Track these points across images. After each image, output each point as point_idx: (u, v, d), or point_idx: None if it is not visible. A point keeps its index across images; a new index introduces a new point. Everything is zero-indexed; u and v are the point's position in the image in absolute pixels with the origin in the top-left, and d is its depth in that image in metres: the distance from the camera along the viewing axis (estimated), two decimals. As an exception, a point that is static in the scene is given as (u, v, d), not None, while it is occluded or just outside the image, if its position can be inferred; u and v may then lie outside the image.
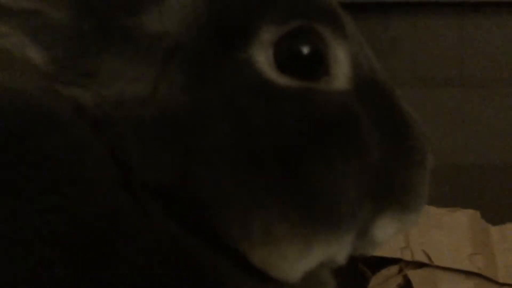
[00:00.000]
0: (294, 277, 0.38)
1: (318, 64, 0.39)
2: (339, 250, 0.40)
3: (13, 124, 0.34)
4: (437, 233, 0.97)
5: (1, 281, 0.30)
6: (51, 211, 0.32)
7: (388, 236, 0.43)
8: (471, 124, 1.20)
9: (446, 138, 1.19)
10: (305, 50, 0.38)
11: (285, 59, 0.38)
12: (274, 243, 0.36)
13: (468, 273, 0.94)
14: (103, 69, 0.37)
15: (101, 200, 0.34)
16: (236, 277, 0.36)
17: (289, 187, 0.36)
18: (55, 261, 0.31)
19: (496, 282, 0.94)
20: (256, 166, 0.36)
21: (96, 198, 0.34)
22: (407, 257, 0.95)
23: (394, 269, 0.96)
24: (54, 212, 0.32)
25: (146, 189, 0.35)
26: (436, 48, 1.22)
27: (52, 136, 0.35)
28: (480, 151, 1.19)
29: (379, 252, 0.95)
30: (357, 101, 0.40)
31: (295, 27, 0.38)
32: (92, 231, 0.32)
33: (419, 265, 0.95)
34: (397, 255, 0.95)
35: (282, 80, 0.38)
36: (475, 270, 0.94)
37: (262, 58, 0.38)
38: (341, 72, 0.40)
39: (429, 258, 0.95)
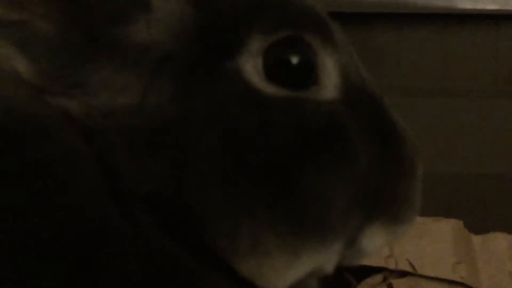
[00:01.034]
0: (282, 287, 0.37)
1: (307, 74, 0.39)
2: (327, 260, 0.40)
3: (0, 131, 0.34)
4: (421, 242, 0.98)
5: None
6: (38, 222, 0.31)
7: (377, 246, 0.43)
8: (454, 134, 1.21)
9: (429, 148, 1.20)
10: (294, 59, 0.38)
11: (274, 68, 0.38)
12: (263, 254, 0.36)
13: (451, 282, 0.95)
14: (91, 79, 0.37)
15: (90, 211, 0.33)
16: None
17: (278, 197, 0.36)
18: (42, 274, 0.30)
19: (479, 291, 0.95)
20: (244, 176, 0.36)
21: (85, 209, 0.33)
22: (391, 266, 0.95)
23: (378, 278, 0.96)
24: (42, 223, 0.32)
25: (136, 199, 0.35)
26: (420, 59, 1.23)
27: (40, 145, 0.34)
28: (463, 161, 1.20)
29: (363, 261, 0.96)
30: (346, 110, 0.40)
31: (284, 37, 0.38)
32: (81, 243, 0.32)
33: (403, 274, 0.95)
34: (381, 263, 0.95)
35: (270, 89, 0.38)
36: (458, 279, 0.94)
37: (251, 68, 0.38)
38: (329, 81, 0.40)
39: (413, 267, 0.95)
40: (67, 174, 0.34)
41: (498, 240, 1.01)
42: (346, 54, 0.42)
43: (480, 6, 1.19)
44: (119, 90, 0.37)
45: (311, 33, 0.39)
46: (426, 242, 0.98)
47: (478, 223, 1.05)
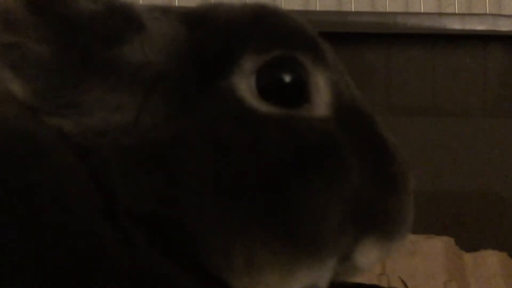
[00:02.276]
0: None
1: (299, 92, 0.39)
2: (321, 276, 0.40)
3: None
4: (413, 260, 0.98)
5: None
6: (32, 239, 0.31)
7: (371, 262, 0.42)
8: (444, 153, 1.22)
9: (419, 166, 1.20)
10: (286, 78, 0.39)
11: (267, 87, 0.38)
12: (257, 271, 0.36)
13: (443, 300, 0.95)
14: (85, 99, 0.37)
15: (84, 229, 0.33)
16: None
17: (271, 214, 0.36)
18: None
19: (471, 309, 0.95)
20: (238, 193, 0.36)
21: (79, 227, 0.33)
22: (384, 283, 0.95)
23: (371, 296, 0.96)
24: (36, 239, 0.31)
25: (131, 217, 0.35)
26: (409, 78, 1.24)
27: (34, 162, 0.34)
28: (453, 179, 1.21)
29: (355, 279, 0.96)
30: (338, 128, 0.40)
31: (276, 56, 0.39)
32: (74, 260, 0.32)
33: (396, 291, 0.95)
34: (374, 281, 0.95)
35: (263, 107, 0.38)
36: (450, 297, 0.94)
37: (244, 86, 0.38)
38: (321, 99, 0.40)
39: (405, 285, 0.95)
40: (60, 193, 0.34)
41: (490, 258, 1.01)
42: (337, 72, 0.42)
43: (468, 26, 1.21)
44: (113, 109, 0.37)
45: (303, 53, 0.39)
46: (418, 259, 0.98)
47: (470, 241, 1.05)
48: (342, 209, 0.38)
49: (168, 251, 0.35)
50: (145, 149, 0.36)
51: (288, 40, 0.40)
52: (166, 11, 0.41)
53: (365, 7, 1.30)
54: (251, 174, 0.36)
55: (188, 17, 0.40)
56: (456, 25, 1.21)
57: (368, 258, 0.42)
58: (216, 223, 0.35)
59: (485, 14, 1.24)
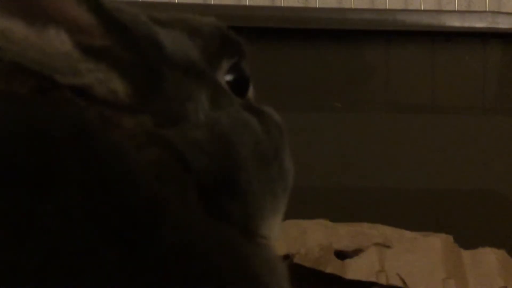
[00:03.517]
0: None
1: (246, 86, 0.52)
2: None
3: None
4: (411, 257, 0.98)
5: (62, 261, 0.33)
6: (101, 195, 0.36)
7: None
8: (442, 150, 1.22)
9: (418, 163, 1.21)
10: (237, 77, 0.51)
11: (233, 82, 0.50)
12: (272, 218, 0.48)
13: (441, 297, 0.95)
14: (164, 95, 0.44)
15: (148, 189, 0.38)
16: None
17: (269, 179, 0.48)
18: (104, 246, 0.34)
19: (469, 306, 0.95)
20: (262, 166, 0.47)
21: (144, 188, 0.38)
22: (382, 280, 0.95)
23: (369, 292, 0.96)
24: (103, 197, 0.36)
25: (190, 186, 0.42)
26: (408, 75, 1.24)
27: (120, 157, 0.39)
28: (452, 176, 1.21)
29: (354, 276, 0.96)
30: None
31: (235, 61, 0.51)
32: (136, 213, 0.36)
33: (394, 288, 0.95)
34: (372, 278, 0.96)
35: (235, 97, 0.49)
36: (449, 294, 0.95)
37: (223, 81, 0.49)
38: (251, 92, 0.53)
39: (404, 282, 0.95)
40: (127, 161, 0.39)
41: (488, 255, 1.02)
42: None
43: (467, 24, 1.21)
44: (183, 103, 0.44)
45: (243, 59, 0.52)
46: (416, 257, 0.98)
47: (468, 239, 1.06)
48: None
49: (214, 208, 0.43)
50: (207, 134, 0.44)
51: (238, 51, 0.52)
52: (167, 22, 0.49)
53: (364, 4, 1.30)
54: (267, 148, 0.48)
55: (186, 27, 0.50)
56: (455, 22, 1.21)
57: None
58: (257, 191, 0.46)
59: (485, 12, 1.24)
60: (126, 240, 0.35)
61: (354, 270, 0.96)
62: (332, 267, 0.96)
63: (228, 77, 0.50)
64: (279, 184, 0.49)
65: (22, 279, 0.31)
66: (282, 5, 1.26)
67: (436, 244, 1.00)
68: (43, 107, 0.39)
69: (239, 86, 0.51)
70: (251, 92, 0.53)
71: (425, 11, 1.27)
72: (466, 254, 1.01)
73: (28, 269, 0.32)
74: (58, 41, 0.40)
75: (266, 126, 0.49)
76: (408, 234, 1.02)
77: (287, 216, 0.51)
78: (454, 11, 1.26)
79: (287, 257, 0.95)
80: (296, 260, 0.95)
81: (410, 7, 1.30)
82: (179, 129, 0.43)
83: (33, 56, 0.40)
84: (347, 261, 0.98)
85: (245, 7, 1.25)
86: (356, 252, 0.99)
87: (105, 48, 0.41)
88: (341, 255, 0.99)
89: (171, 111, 0.44)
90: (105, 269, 0.33)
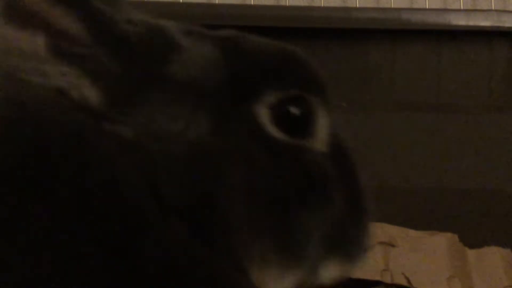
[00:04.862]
0: None
1: (305, 126, 0.47)
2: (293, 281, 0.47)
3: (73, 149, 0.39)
4: (416, 256, 0.98)
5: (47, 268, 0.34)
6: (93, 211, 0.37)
7: (332, 278, 0.50)
8: (448, 149, 1.22)
9: (424, 162, 1.21)
10: (298, 112, 0.47)
11: (280, 117, 0.46)
12: (265, 267, 0.44)
13: (446, 296, 0.95)
14: (148, 109, 0.43)
15: (134, 203, 0.39)
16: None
17: (276, 226, 0.44)
18: (88, 252, 0.35)
19: (474, 305, 0.95)
20: (259, 204, 0.44)
21: (127, 204, 0.38)
22: (387, 279, 0.95)
23: (374, 291, 0.96)
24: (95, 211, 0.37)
25: (170, 208, 0.41)
26: (414, 74, 1.24)
27: (100, 167, 0.39)
28: (457, 175, 1.21)
29: (359, 275, 0.96)
30: (330, 163, 0.48)
31: (293, 94, 0.47)
32: (123, 224, 0.37)
33: (399, 287, 0.95)
34: (377, 277, 0.96)
35: (278, 134, 0.46)
36: (454, 293, 0.95)
37: (265, 114, 0.46)
38: (321, 135, 0.49)
39: (409, 281, 0.95)
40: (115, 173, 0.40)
41: (493, 254, 1.02)
42: (331, 116, 0.50)
43: (473, 22, 1.21)
44: (169, 119, 0.43)
45: (314, 95, 0.48)
46: (421, 256, 0.98)
47: (473, 237, 1.06)
48: (321, 231, 0.46)
49: (198, 237, 0.41)
50: (191, 157, 0.42)
51: (305, 83, 0.48)
52: (202, 35, 0.48)
53: (369, 3, 1.30)
54: (269, 189, 0.44)
55: (223, 44, 0.47)
56: (461, 21, 1.21)
57: (330, 274, 0.49)
58: (243, 223, 0.43)
59: (490, 10, 1.24)
60: (112, 247, 0.36)
61: (359, 269, 0.96)
62: (337, 266, 0.96)
63: (276, 110, 0.46)
64: (280, 239, 0.44)
65: (10, 276, 0.33)
66: (287, 4, 1.26)
67: (441, 243, 1.00)
68: (38, 111, 0.40)
69: (293, 122, 0.46)
70: (321, 134, 0.48)
71: (430, 9, 1.27)
72: (471, 253, 1.01)
73: (16, 267, 0.33)
74: (30, 41, 0.41)
75: (293, 174, 0.45)
76: (413, 233, 1.02)
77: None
78: (459, 10, 1.26)
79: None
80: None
81: (416, 6, 1.30)
82: (162, 145, 0.42)
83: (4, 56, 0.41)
84: (352, 260, 0.98)
85: (250, 6, 1.25)
86: (361, 251, 0.99)
87: (83, 55, 0.41)
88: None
89: (154, 126, 0.42)
90: (89, 272, 0.34)
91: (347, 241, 0.49)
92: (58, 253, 0.34)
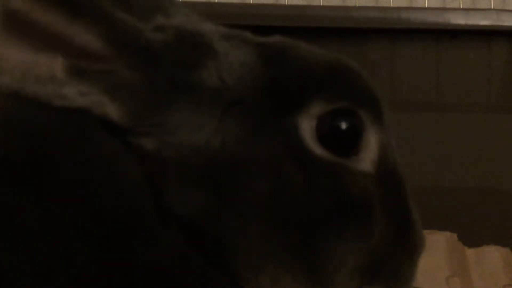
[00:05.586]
0: None
1: (351, 144, 0.43)
2: None
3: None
4: (415, 255, 0.98)
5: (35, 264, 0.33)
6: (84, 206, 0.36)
7: None
8: (447, 148, 1.22)
9: (422, 161, 1.20)
10: (344, 128, 0.43)
11: (325, 132, 0.42)
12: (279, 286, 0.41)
13: (445, 295, 0.95)
14: (173, 119, 0.41)
15: (132, 206, 0.38)
16: None
17: (302, 250, 0.41)
18: (80, 250, 0.35)
19: (473, 304, 0.95)
20: (280, 225, 0.41)
21: (128, 203, 0.38)
22: (386, 278, 0.95)
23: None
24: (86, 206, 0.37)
25: (172, 216, 0.39)
26: (413, 73, 1.24)
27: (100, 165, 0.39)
28: (456, 174, 1.21)
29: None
30: (376, 187, 0.44)
31: (341, 107, 0.43)
32: (115, 225, 0.37)
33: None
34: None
35: (318, 150, 0.42)
36: (453, 292, 0.95)
37: (306, 127, 0.42)
38: (369, 155, 0.44)
39: (408, 280, 0.95)
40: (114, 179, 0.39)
41: (492, 253, 1.02)
42: (388, 136, 0.46)
43: (472, 21, 1.20)
44: (195, 129, 0.41)
45: (365, 111, 0.44)
46: (421, 255, 0.98)
47: (472, 236, 1.06)
48: (357, 261, 0.43)
49: (197, 249, 0.40)
50: (207, 167, 0.40)
51: (356, 96, 0.44)
52: (243, 40, 0.45)
53: (368, 2, 1.30)
54: (295, 210, 0.41)
55: (266, 51, 0.44)
56: (460, 20, 1.20)
57: None
58: (254, 244, 0.40)
59: (489, 9, 1.24)
60: (104, 249, 0.36)
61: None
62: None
63: (321, 123, 0.42)
64: (299, 262, 0.41)
65: (2, 274, 0.32)
66: (286, 3, 1.26)
67: (440, 242, 1.00)
68: (46, 114, 0.40)
69: (338, 138, 0.43)
70: (369, 154, 0.44)
71: (429, 9, 1.27)
72: (470, 252, 1.01)
73: (4, 264, 0.33)
74: (47, 66, 0.40)
75: (328, 196, 0.42)
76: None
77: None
78: (458, 9, 1.26)
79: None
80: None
81: (415, 5, 1.30)
82: (180, 156, 0.40)
83: (26, 84, 0.39)
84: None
85: (249, 5, 1.25)
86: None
87: (103, 71, 0.40)
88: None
89: (177, 138, 0.41)
90: (80, 270, 0.34)
91: (389, 274, 0.45)
92: (49, 251, 0.34)
